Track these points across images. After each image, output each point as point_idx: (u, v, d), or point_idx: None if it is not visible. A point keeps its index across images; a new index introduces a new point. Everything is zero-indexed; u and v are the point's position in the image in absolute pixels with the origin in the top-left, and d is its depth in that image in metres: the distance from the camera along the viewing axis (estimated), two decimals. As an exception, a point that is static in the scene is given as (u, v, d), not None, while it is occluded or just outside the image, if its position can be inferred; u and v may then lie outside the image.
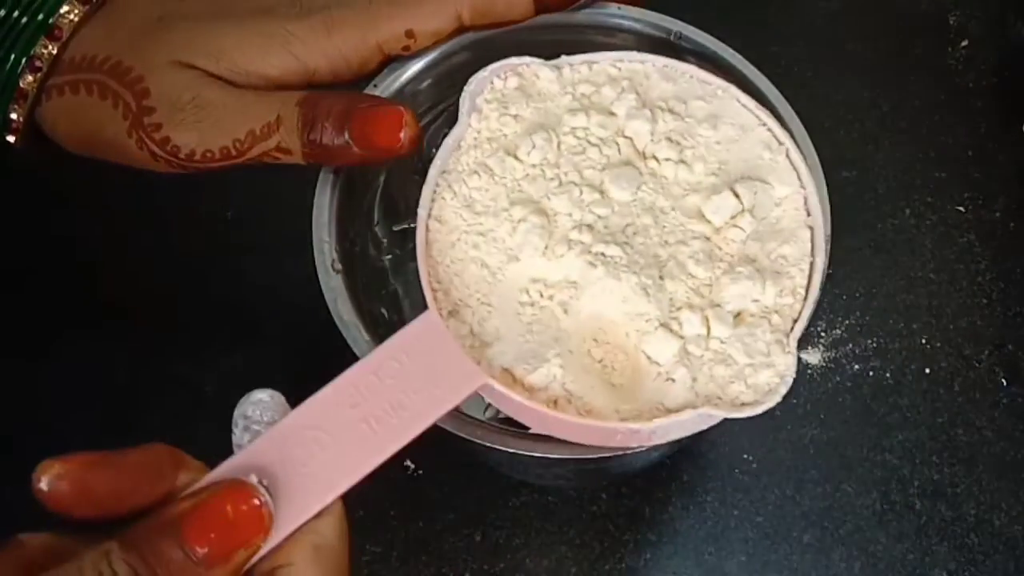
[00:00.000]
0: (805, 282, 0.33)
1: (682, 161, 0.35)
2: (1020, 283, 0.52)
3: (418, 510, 0.46)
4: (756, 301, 0.33)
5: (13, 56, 0.38)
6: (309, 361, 0.44)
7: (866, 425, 0.48)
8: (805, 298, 0.33)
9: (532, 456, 0.34)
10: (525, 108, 0.36)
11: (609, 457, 0.34)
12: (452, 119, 0.43)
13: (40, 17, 0.38)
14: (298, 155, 0.37)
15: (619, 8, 0.41)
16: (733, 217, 0.34)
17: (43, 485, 0.27)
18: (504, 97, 0.36)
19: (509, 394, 0.31)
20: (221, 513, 0.27)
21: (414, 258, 0.44)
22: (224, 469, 0.28)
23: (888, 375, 0.49)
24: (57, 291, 0.51)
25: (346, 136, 0.36)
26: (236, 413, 0.30)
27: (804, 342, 0.49)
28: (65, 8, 0.38)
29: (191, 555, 0.26)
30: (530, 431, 0.34)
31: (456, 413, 0.34)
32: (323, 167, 0.39)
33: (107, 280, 0.51)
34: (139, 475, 0.28)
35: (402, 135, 0.36)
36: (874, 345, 0.50)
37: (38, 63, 0.38)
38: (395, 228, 0.44)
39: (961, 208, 0.54)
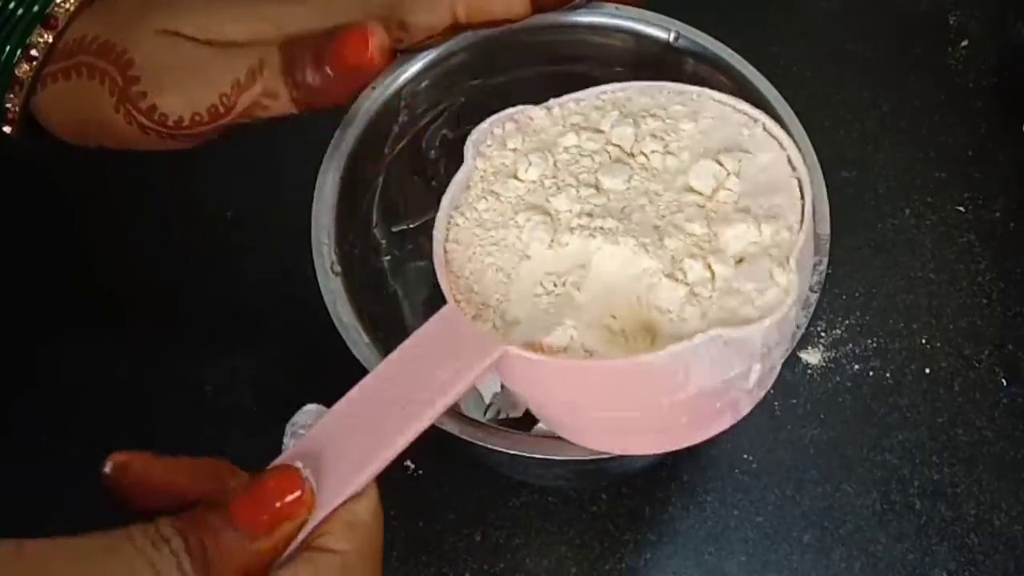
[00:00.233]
0: (799, 219, 0.34)
1: (668, 152, 0.36)
2: (1020, 283, 0.52)
3: (418, 510, 0.46)
4: (755, 243, 0.33)
5: (9, 46, 0.38)
6: (309, 361, 0.44)
7: (866, 425, 0.48)
8: (800, 230, 0.34)
9: (532, 457, 0.34)
10: (522, 142, 0.37)
11: (609, 457, 0.34)
12: (452, 119, 0.43)
13: (36, 7, 0.38)
14: (285, 99, 0.37)
15: (617, 8, 0.41)
16: (720, 183, 0.35)
17: (107, 469, 0.28)
18: (503, 137, 0.37)
19: (529, 356, 0.31)
20: (265, 489, 0.28)
21: (413, 259, 0.44)
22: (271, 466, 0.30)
23: (888, 375, 0.49)
24: (57, 289, 0.51)
25: (327, 69, 0.36)
26: (288, 425, 0.31)
27: (804, 342, 0.50)
28: None
29: (235, 524, 0.27)
30: (531, 432, 0.34)
31: (456, 414, 0.34)
32: (321, 168, 0.39)
33: (107, 279, 0.51)
34: (195, 473, 0.29)
35: (371, 46, 0.37)
36: (874, 345, 0.50)
37: (34, 52, 0.38)
38: (394, 229, 0.44)
39: (961, 208, 0.54)
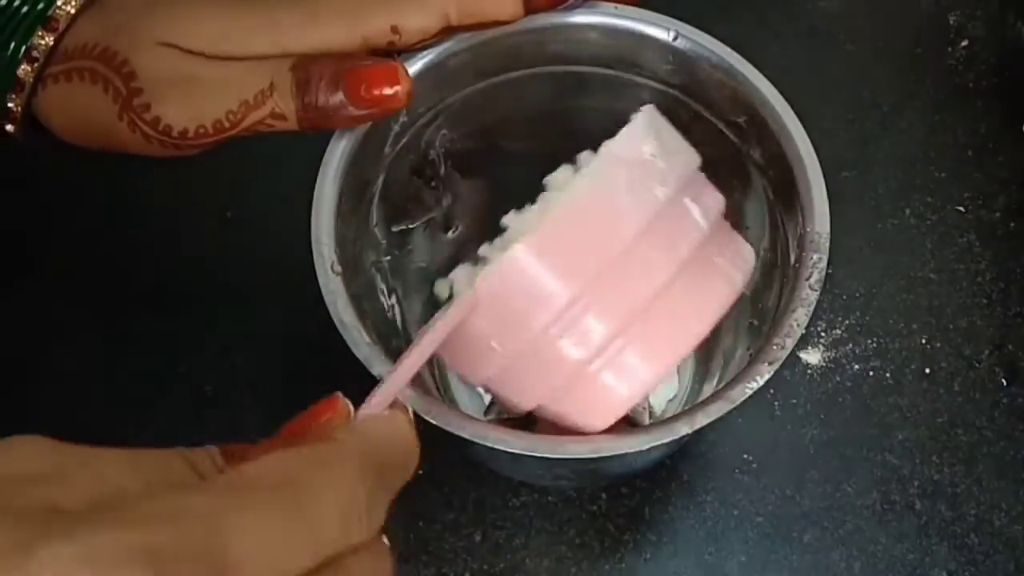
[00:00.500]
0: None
1: None
2: (1020, 283, 0.52)
3: (418, 510, 0.46)
4: None
5: (12, 45, 0.38)
6: (309, 361, 0.44)
7: (866, 425, 0.48)
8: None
9: (532, 456, 0.34)
10: None
11: (609, 457, 0.34)
12: (452, 120, 0.43)
13: (39, 8, 0.38)
14: (293, 120, 0.37)
15: (616, 8, 0.41)
16: None
17: None
18: None
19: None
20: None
21: (413, 259, 0.44)
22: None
23: (888, 375, 0.49)
24: (55, 290, 0.51)
25: (340, 95, 0.36)
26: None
27: (804, 342, 0.50)
28: (61, 0, 0.38)
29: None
30: (530, 432, 0.34)
31: (457, 414, 0.34)
32: (321, 168, 0.39)
33: (106, 279, 0.51)
34: None
35: (397, 89, 0.36)
36: (874, 345, 0.50)
37: (35, 53, 0.38)
38: (394, 229, 0.44)
39: (961, 208, 0.54)
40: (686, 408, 0.37)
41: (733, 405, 0.34)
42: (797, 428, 0.48)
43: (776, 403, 0.49)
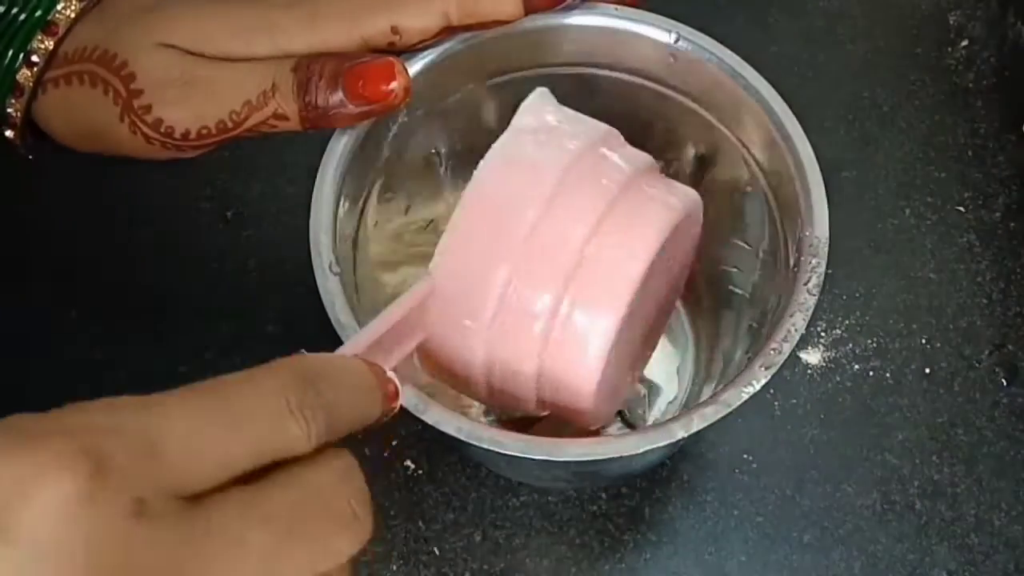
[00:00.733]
0: None
1: None
2: (1020, 283, 0.52)
3: (418, 510, 0.46)
4: None
5: (11, 51, 0.38)
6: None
7: (866, 425, 0.48)
8: None
9: (532, 457, 0.34)
10: None
11: (606, 460, 0.34)
12: (452, 120, 0.43)
13: (38, 13, 0.38)
14: (295, 120, 0.37)
15: (617, 9, 0.41)
16: None
17: None
18: None
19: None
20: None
21: (411, 260, 0.44)
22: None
23: (888, 375, 0.49)
24: (55, 291, 0.51)
25: (340, 94, 0.36)
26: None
27: (804, 342, 0.50)
28: (61, 5, 0.38)
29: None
30: (530, 432, 0.34)
31: (457, 414, 0.34)
32: (320, 168, 0.39)
33: (106, 280, 0.51)
34: None
35: (394, 85, 0.36)
36: (874, 345, 0.50)
37: (34, 58, 0.38)
38: (394, 229, 0.44)
39: (961, 208, 0.54)
40: (684, 411, 0.37)
41: (730, 409, 0.34)
42: (797, 428, 0.48)
43: (776, 403, 0.49)
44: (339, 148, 0.39)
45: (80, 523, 0.22)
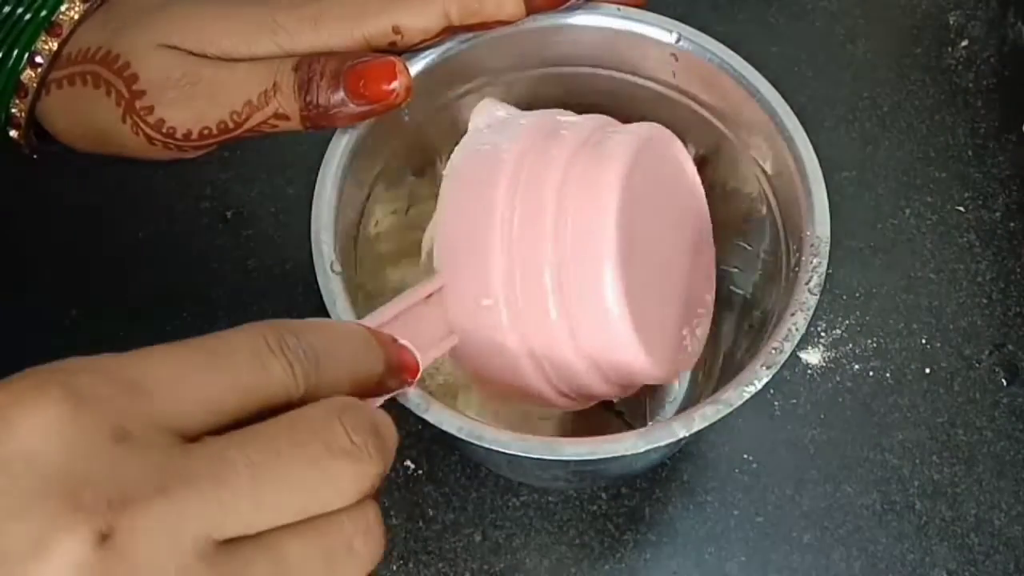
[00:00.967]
0: None
1: None
2: (1020, 283, 0.52)
3: (418, 510, 0.46)
4: None
5: (15, 52, 0.38)
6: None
7: (866, 425, 0.48)
8: None
9: (532, 457, 0.34)
10: None
11: (609, 457, 0.34)
12: (452, 120, 0.43)
13: (43, 14, 0.38)
14: (296, 120, 0.37)
15: (619, 9, 0.41)
16: None
17: None
18: None
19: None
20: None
21: (412, 260, 0.44)
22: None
23: (888, 375, 0.49)
24: (55, 292, 0.51)
25: (341, 93, 0.36)
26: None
27: (804, 342, 0.50)
28: (65, 6, 0.38)
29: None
30: (530, 432, 0.34)
31: (457, 414, 0.34)
32: (321, 168, 0.39)
33: (105, 280, 0.51)
34: None
35: (395, 84, 0.36)
36: (874, 345, 0.50)
37: (38, 59, 0.38)
38: (394, 228, 0.44)
39: (961, 208, 0.54)
40: (684, 411, 0.37)
41: (731, 408, 0.34)
42: (797, 428, 0.48)
43: (776, 403, 0.49)
44: (339, 148, 0.39)
45: (61, 439, 0.22)
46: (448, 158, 0.44)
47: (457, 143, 0.44)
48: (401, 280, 0.45)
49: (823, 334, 0.50)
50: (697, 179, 0.41)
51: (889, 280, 0.52)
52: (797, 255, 0.37)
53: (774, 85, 0.40)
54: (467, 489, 0.47)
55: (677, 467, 0.47)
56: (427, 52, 0.40)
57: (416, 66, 0.40)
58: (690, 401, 0.47)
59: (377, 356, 0.29)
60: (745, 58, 0.40)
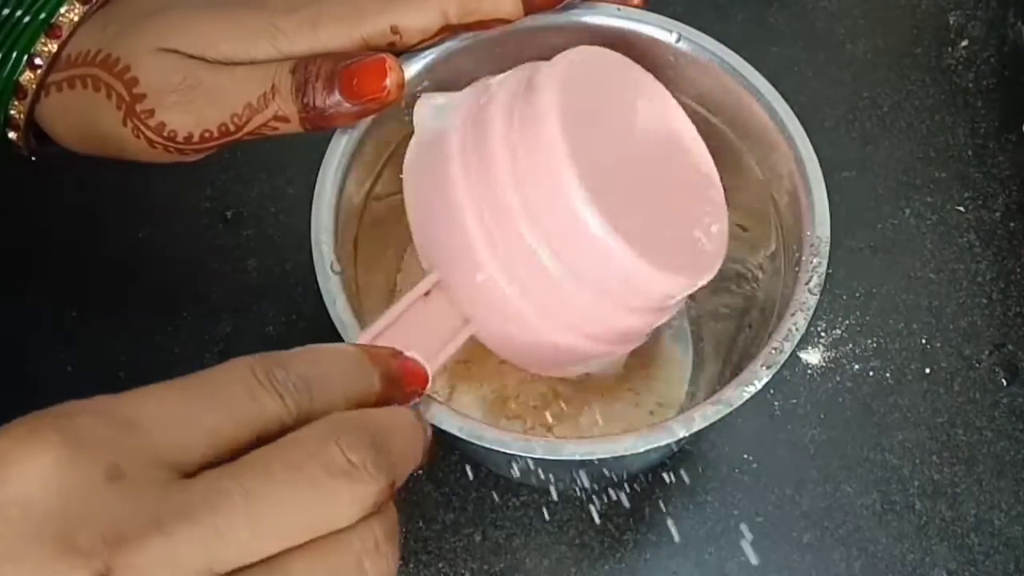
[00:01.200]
0: None
1: None
2: (1020, 283, 0.52)
3: (418, 510, 0.46)
4: None
5: (15, 54, 0.38)
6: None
7: (866, 425, 0.48)
8: None
9: (532, 457, 0.34)
10: None
11: (610, 458, 0.34)
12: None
13: (42, 16, 0.38)
14: (295, 122, 0.37)
15: (619, 9, 0.41)
16: None
17: None
18: None
19: None
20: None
21: (412, 259, 0.44)
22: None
23: (888, 375, 0.49)
24: (55, 292, 0.51)
25: (337, 94, 0.36)
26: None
27: (804, 342, 0.50)
28: (65, 8, 0.38)
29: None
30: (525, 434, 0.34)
31: (457, 414, 0.34)
32: (320, 168, 0.39)
33: (106, 280, 0.51)
34: None
35: (387, 81, 0.37)
36: (874, 345, 0.50)
37: (38, 61, 0.38)
38: (395, 228, 0.44)
39: (961, 208, 0.54)
40: (684, 411, 0.37)
41: (731, 408, 0.34)
42: (797, 428, 0.48)
43: (776, 403, 0.49)
44: (339, 148, 0.39)
45: (57, 483, 0.23)
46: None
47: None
48: (402, 279, 0.45)
49: (823, 334, 0.50)
50: (654, 80, 0.40)
51: (889, 280, 0.52)
52: (797, 255, 0.37)
53: (774, 85, 0.40)
54: (467, 489, 0.47)
55: (677, 467, 0.47)
56: (426, 52, 0.40)
57: (416, 66, 0.40)
58: (690, 401, 0.47)
59: (370, 375, 0.29)
60: (745, 58, 0.40)
